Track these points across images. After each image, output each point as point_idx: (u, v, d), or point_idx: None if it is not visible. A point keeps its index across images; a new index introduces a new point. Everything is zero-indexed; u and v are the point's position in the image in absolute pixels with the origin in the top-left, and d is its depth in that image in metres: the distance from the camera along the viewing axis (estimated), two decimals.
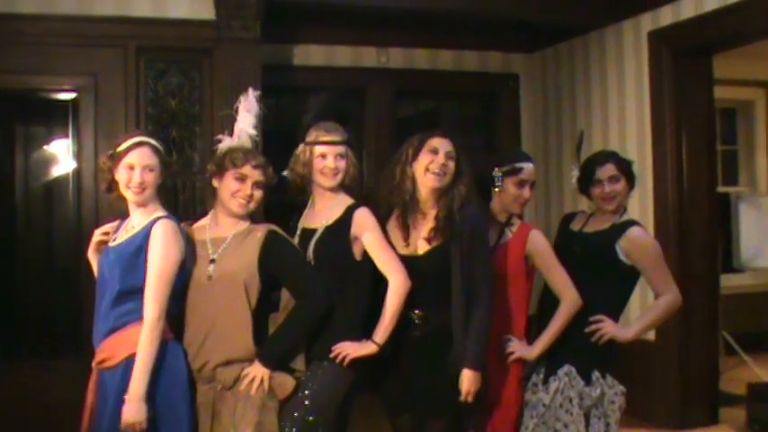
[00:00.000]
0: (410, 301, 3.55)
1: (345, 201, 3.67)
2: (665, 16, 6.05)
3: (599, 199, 3.94)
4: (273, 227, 3.55)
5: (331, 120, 3.83)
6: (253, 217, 3.59)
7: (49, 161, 6.34)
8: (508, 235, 3.88)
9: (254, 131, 3.70)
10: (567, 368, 3.80)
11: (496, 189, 3.87)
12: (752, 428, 5.95)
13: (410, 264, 3.57)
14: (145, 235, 3.36)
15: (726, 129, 9.17)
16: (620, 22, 6.46)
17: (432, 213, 3.63)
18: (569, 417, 3.76)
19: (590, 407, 3.79)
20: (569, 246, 3.96)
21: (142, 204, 3.44)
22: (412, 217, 3.64)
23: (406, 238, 3.63)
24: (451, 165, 3.60)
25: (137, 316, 3.30)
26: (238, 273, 3.41)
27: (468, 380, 3.51)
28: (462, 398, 3.51)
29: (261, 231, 3.50)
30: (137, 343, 3.25)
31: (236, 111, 3.73)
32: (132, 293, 3.32)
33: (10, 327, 5.98)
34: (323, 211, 3.67)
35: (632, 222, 3.94)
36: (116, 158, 3.42)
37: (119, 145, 3.45)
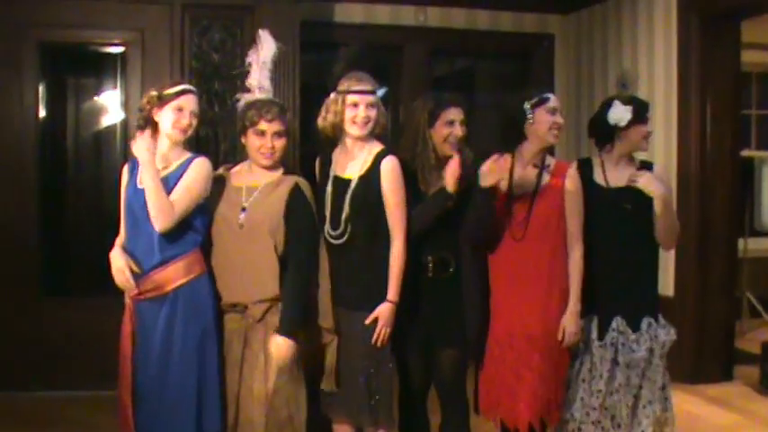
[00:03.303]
0: (431, 245, 3.81)
1: (375, 149, 3.81)
2: None
3: (643, 139, 3.98)
4: (300, 181, 3.76)
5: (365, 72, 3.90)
6: (285, 163, 3.82)
7: (98, 111, 6.64)
8: (546, 177, 3.93)
9: (267, 83, 3.90)
10: (647, 320, 3.93)
11: (529, 121, 3.84)
12: (764, 385, 6.13)
13: None
14: (184, 169, 3.68)
15: (763, 93, 9.23)
16: None
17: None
18: (657, 368, 3.93)
19: (663, 354, 3.95)
20: (615, 202, 3.94)
21: (178, 144, 3.74)
22: (431, 175, 3.82)
23: (427, 193, 3.82)
24: (464, 130, 3.80)
25: (185, 248, 3.64)
26: (265, 223, 3.67)
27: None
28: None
29: (287, 184, 3.73)
30: (188, 272, 3.64)
31: (250, 65, 3.94)
32: (184, 228, 3.64)
33: (60, 267, 6.34)
34: (355, 160, 3.82)
35: (650, 163, 4.07)
36: (164, 100, 3.67)
37: (164, 88, 3.71)
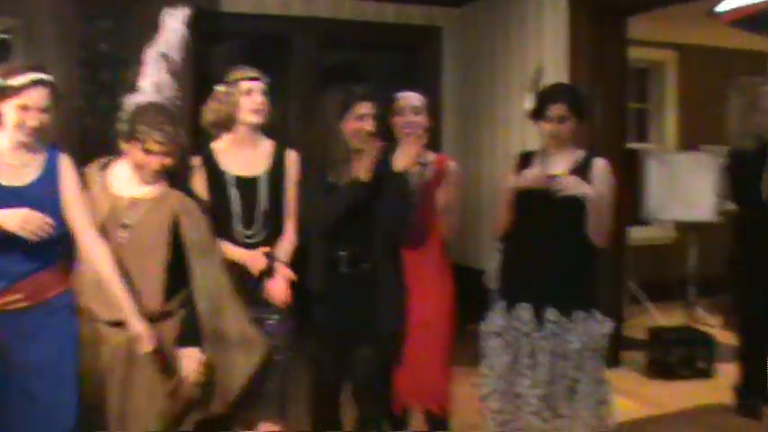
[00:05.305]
0: (345, 239, 3.78)
1: (270, 143, 3.84)
2: None
3: (546, 135, 4.04)
4: (183, 198, 3.51)
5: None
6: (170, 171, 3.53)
7: None
8: (428, 174, 4.06)
9: (164, 79, 3.63)
10: (580, 313, 4.01)
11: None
12: (651, 369, 6.35)
13: None
14: (53, 172, 3.33)
15: (638, 88, 9.50)
16: None
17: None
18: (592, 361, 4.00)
19: (598, 348, 4.02)
20: (544, 192, 3.91)
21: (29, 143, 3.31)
22: (342, 168, 3.81)
23: (337, 186, 3.81)
24: (374, 124, 3.79)
25: (56, 255, 3.36)
26: (149, 244, 3.45)
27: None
28: None
29: (172, 202, 3.48)
30: (64, 282, 3.39)
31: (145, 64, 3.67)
32: (61, 234, 3.31)
33: None
34: (253, 157, 3.78)
35: (595, 157, 4.14)
36: (6, 93, 3.18)
37: (9, 75, 3.19)
